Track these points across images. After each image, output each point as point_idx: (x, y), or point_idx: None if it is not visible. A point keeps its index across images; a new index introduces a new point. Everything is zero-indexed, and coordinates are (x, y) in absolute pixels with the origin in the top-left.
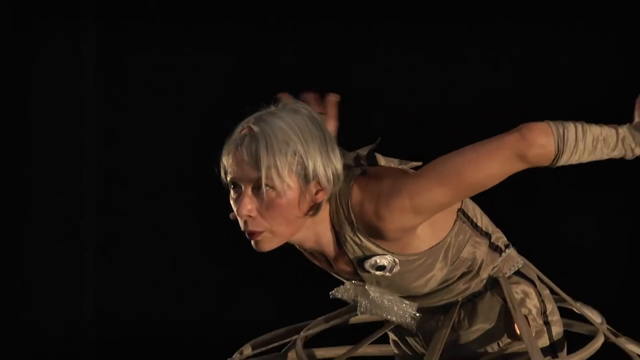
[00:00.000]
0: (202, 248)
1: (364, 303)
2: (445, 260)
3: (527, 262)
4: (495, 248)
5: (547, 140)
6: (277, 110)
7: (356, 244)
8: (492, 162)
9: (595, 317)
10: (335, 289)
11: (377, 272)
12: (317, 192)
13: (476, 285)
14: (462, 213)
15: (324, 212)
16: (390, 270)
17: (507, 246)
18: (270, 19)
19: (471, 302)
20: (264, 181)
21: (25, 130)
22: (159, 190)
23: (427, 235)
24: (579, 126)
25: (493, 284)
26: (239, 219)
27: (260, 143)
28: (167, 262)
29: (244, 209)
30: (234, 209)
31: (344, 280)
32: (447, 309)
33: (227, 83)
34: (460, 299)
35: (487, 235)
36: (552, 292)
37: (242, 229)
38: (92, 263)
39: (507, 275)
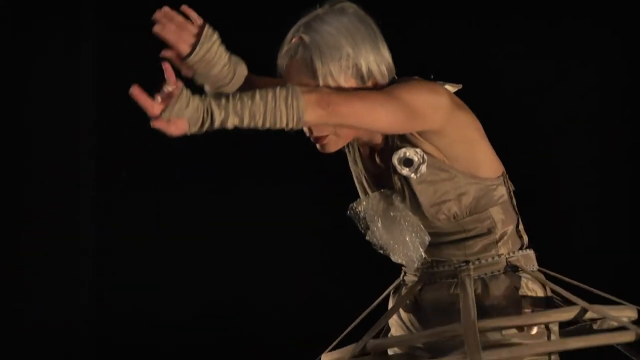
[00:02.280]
0: (202, 248)
1: (375, 228)
2: (472, 197)
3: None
4: (519, 236)
5: None
6: (324, 13)
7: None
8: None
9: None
10: (356, 202)
11: (405, 169)
12: (374, 84)
13: (491, 258)
14: (506, 177)
15: None
16: (417, 170)
17: (529, 246)
18: (269, 18)
19: (483, 282)
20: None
21: (24, 130)
22: (158, 189)
23: (463, 155)
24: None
25: (509, 269)
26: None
27: (314, 52)
28: (167, 261)
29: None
30: None
31: (371, 192)
32: (461, 283)
33: None
34: (472, 271)
35: (517, 215)
36: (564, 299)
37: (307, 134)
38: (91, 262)
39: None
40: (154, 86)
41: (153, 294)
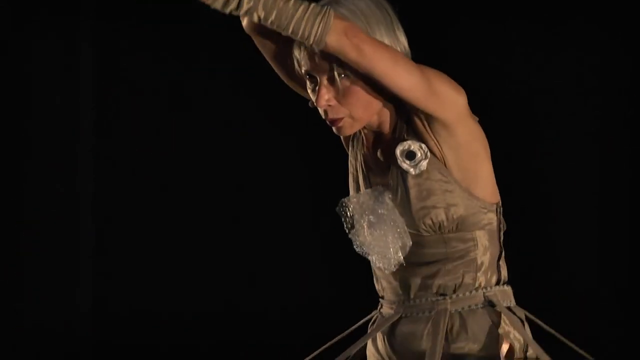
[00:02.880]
0: (202, 248)
1: (359, 227)
2: (461, 212)
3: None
4: (499, 270)
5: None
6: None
7: (408, 126)
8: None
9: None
10: (347, 198)
11: (405, 162)
12: None
13: (469, 292)
14: (499, 209)
15: (396, 107)
16: (417, 165)
17: (507, 282)
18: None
19: (461, 317)
20: (336, 72)
21: (23, 129)
22: (157, 189)
23: (464, 164)
24: None
25: (487, 304)
26: (318, 108)
27: None
28: (167, 262)
29: (322, 99)
30: (313, 99)
31: (363, 188)
32: (435, 319)
33: (228, 83)
34: (449, 305)
35: (501, 248)
36: (543, 332)
37: (323, 117)
38: (90, 263)
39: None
40: (152, 86)
41: (152, 294)
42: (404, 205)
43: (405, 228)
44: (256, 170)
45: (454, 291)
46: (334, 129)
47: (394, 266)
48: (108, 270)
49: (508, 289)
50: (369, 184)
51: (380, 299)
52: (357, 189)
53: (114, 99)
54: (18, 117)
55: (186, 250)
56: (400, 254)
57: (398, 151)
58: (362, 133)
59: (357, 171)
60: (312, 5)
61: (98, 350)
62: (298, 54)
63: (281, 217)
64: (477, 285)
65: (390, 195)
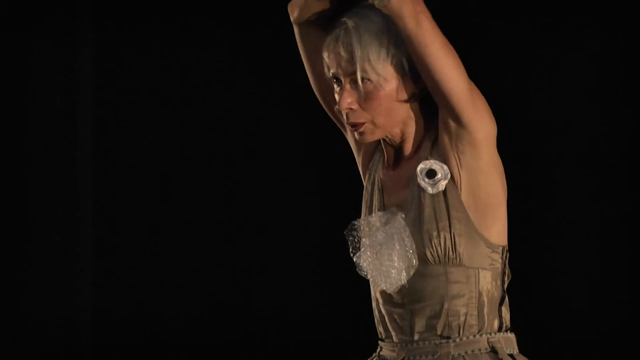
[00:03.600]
0: (202, 248)
1: (365, 247)
2: (466, 244)
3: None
4: (500, 315)
5: None
6: (370, 6)
7: (432, 145)
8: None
9: None
10: (358, 220)
11: (424, 180)
12: (415, 82)
13: (472, 336)
14: (506, 254)
15: (424, 109)
16: (435, 184)
17: (509, 328)
18: (267, 19)
19: None
20: (359, 75)
21: (22, 131)
22: (157, 189)
23: (479, 193)
24: None
25: (490, 350)
26: (342, 112)
27: (354, 37)
28: (167, 262)
29: (344, 102)
30: (337, 99)
31: (377, 210)
32: None
33: (229, 84)
34: (452, 349)
35: (504, 293)
36: None
37: (345, 121)
38: (90, 262)
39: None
40: (151, 86)
41: (152, 295)
42: (416, 224)
43: (414, 248)
44: (257, 171)
45: (458, 334)
46: (356, 134)
47: (397, 287)
48: (108, 270)
49: (512, 336)
50: (382, 206)
51: (379, 342)
52: (370, 212)
53: (113, 100)
54: (18, 118)
55: (186, 251)
56: (404, 275)
57: (419, 169)
58: (384, 153)
59: (372, 194)
60: None
61: (98, 350)
62: (326, 57)
63: (282, 217)
64: (479, 328)
65: (403, 215)
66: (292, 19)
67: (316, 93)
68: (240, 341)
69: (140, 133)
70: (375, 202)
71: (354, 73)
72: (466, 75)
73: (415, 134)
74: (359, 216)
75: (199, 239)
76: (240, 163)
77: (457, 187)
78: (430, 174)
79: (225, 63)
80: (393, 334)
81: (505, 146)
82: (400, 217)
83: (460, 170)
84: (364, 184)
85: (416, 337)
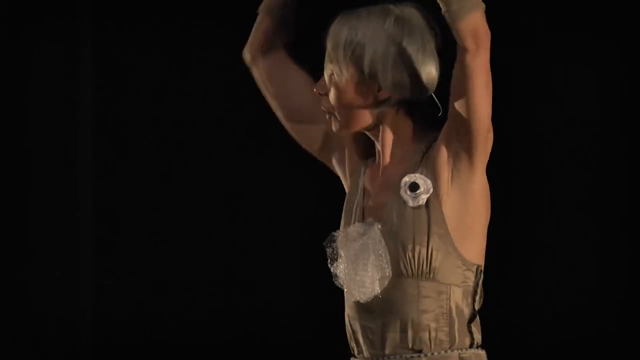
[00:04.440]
0: (203, 247)
1: (341, 259)
2: (441, 260)
3: None
4: (470, 331)
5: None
6: (372, 8)
7: (419, 158)
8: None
9: None
10: (337, 231)
11: (406, 193)
12: (379, 91)
13: (444, 351)
14: (480, 273)
15: (407, 120)
16: (416, 198)
17: (480, 345)
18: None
19: None
20: (332, 68)
21: (22, 131)
22: (158, 189)
23: (461, 219)
24: None
25: None
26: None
27: (340, 30)
28: (167, 261)
29: (315, 85)
30: None
31: (357, 221)
32: None
33: (229, 84)
34: None
35: (474, 312)
36: None
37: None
38: (90, 262)
39: None
40: (152, 86)
41: (152, 295)
42: (392, 236)
43: (389, 258)
44: (257, 171)
45: (430, 348)
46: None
47: (369, 297)
48: (108, 270)
49: (482, 353)
50: (361, 216)
51: (352, 358)
52: (348, 223)
53: (113, 100)
54: (18, 118)
55: (187, 251)
56: (378, 285)
57: (403, 181)
58: (375, 162)
59: (353, 203)
60: None
61: (98, 350)
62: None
63: (282, 217)
64: (451, 344)
65: (379, 226)
66: (251, 60)
67: (293, 132)
68: (241, 341)
69: (141, 133)
70: (356, 214)
71: (328, 66)
72: (491, 110)
73: (396, 143)
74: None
75: (199, 239)
76: (241, 163)
77: (440, 203)
78: (413, 187)
79: (226, 63)
80: (364, 348)
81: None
82: (376, 227)
83: (449, 187)
84: (347, 194)
85: (387, 351)
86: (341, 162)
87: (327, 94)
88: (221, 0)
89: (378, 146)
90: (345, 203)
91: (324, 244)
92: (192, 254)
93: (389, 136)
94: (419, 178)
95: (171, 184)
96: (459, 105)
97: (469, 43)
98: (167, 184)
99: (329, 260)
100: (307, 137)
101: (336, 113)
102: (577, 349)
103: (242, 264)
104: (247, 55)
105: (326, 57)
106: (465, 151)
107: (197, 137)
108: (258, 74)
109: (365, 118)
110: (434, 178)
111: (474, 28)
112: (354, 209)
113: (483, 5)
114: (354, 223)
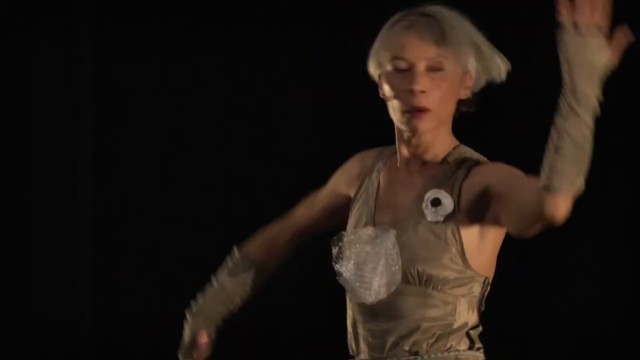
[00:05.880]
0: (203, 247)
1: (348, 259)
2: (452, 276)
3: None
4: (470, 337)
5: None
6: (440, 7)
7: (447, 176)
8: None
9: None
10: (345, 232)
11: (428, 208)
12: (465, 88)
13: (440, 353)
14: (487, 285)
15: (449, 132)
16: (436, 213)
17: (480, 348)
18: (268, 19)
19: None
20: (437, 62)
21: (22, 131)
22: (158, 190)
23: (475, 245)
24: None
25: None
26: (403, 96)
27: (444, 24)
28: (167, 262)
29: (420, 83)
30: (398, 85)
31: (374, 224)
32: None
33: (229, 85)
34: None
35: (477, 321)
36: None
37: (407, 106)
38: (90, 262)
39: None
40: (152, 86)
41: (152, 295)
42: (405, 245)
43: (400, 266)
44: (258, 171)
45: (427, 351)
46: (413, 120)
47: (375, 300)
48: (108, 271)
49: (481, 355)
50: (372, 221)
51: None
52: (358, 224)
53: (113, 100)
54: (17, 119)
55: (187, 251)
56: (385, 289)
57: (428, 194)
58: (397, 153)
59: (364, 204)
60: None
61: (98, 350)
62: (395, 39)
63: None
64: (449, 347)
65: (395, 232)
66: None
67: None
68: (241, 341)
69: (141, 133)
70: (367, 218)
71: (432, 59)
72: None
73: (441, 143)
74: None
75: (200, 239)
76: (241, 163)
77: (458, 223)
78: (435, 202)
79: (226, 62)
80: (365, 349)
81: (502, 145)
82: (392, 234)
83: (471, 217)
84: (358, 192)
85: (386, 354)
86: (353, 180)
87: (428, 92)
88: (221, 0)
89: (406, 149)
90: (352, 202)
91: (331, 241)
92: (193, 253)
93: (442, 135)
94: (443, 196)
95: (171, 184)
96: (521, 206)
97: (554, 217)
98: (167, 183)
99: (333, 258)
100: (325, 222)
101: (437, 110)
102: (577, 349)
103: None
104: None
105: (414, 55)
106: (505, 223)
107: (198, 137)
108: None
109: (450, 114)
110: (459, 204)
111: (566, 210)
112: (364, 212)
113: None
114: (365, 220)
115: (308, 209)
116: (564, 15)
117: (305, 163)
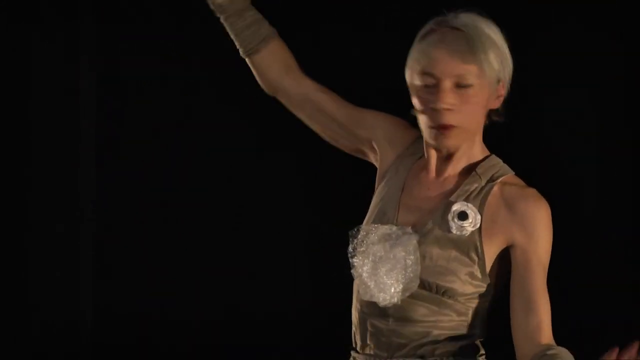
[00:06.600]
0: (203, 249)
1: (365, 254)
2: (469, 292)
3: None
4: (476, 345)
5: None
6: (470, 14)
7: (475, 189)
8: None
9: None
10: (367, 226)
11: (453, 219)
12: (497, 97)
13: (446, 355)
14: (499, 291)
15: (480, 141)
16: (461, 227)
17: (483, 354)
18: (268, 18)
19: None
20: (465, 79)
21: (23, 131)
22: (158, 192)
23: (497, 259)
24: None
25: None
26: (429, 112)
27: (475, 39)
28: (167, 263)
29: (445, 101)
30: (425, 101)
31: (394, 223)
32: None
33: (229, 82)
34: None
35: (485, 329)
36: None
37: (433, 123)
38: (90, 261)
39: None
40: (152, 85)
41: (152, 295)
42: (427, 255)
43: (418, 273)
44: (259, 171)
45: (433, 355)
46: (439, 137)
47: (389, 304)
48: (109, 271)
49: None
50: (394, 219)
51: (353, 352)
52: (378, 220)
53: (114, 100)
54: (17, 119)
55: (187, 251)
56: (400, 294)
57: (455, 207)
58: (428, 156)
59: (390, 199)
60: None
61: (98, 350)
62: (425, 54)
63: (283, 218)
64: (455, 353)
65: (417, 238)
66: (273, 94)
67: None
68: (241, 342)
69: (142, 132)
70: (389, 214)
71: (460, 75)
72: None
73: (470, 154)
74: (362, 219)
75: (200, 239)
76: (242, 163)
77: (482, 238)
78: (462, 216)
79: (226, 62)
80: (371, 346)
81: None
82: (414, 240)
83: (497, 236)
84: (383, 184)
85: (392, 354)
86: (390, 143)
87: (455, 109)
88: None
89: (434, 157)
90: (376, 199)
91: (349, 232)
92: (193, 254)
93: (469, 145)
94: (470, 210)
95: (172, 184)
96: (513, 311)
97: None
98: (169, 184)
99: (350, 251)
100: (348, 142)
101: (465, 126)
102: (577, 348)
103: (243, 265)
104: (267, 91)
105: (440, 68)
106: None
107: (199, 136)
108: (284, 103)
109: (480, 125)
110: (484, 221)
111: None
112: (386, 209)
113: None
114: (388, 217)
115: (334, 102)
116: None
117: (308, 164)
